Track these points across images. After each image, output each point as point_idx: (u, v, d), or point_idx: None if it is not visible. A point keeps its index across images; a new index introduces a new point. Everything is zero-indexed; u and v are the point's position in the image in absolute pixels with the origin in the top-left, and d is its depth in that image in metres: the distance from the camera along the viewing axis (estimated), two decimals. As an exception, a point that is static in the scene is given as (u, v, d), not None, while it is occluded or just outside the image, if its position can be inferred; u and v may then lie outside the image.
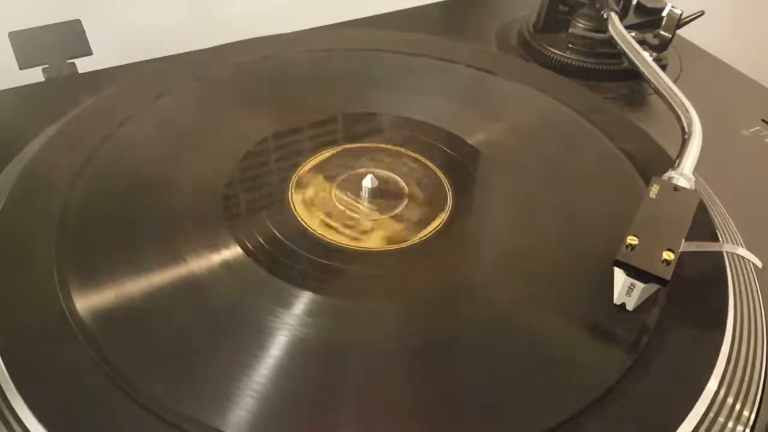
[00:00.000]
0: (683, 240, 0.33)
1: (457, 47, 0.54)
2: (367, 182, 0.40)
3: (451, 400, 0.30)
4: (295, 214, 0.39)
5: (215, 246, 0.36)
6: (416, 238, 0.38)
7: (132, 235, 0.36)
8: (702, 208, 0.38)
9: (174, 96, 0.46)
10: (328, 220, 0.38)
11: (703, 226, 0.37)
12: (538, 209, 0.40)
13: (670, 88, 0.46)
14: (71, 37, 0.53)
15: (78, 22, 0.54)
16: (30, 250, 0.35)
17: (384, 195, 0.40)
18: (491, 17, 0.66)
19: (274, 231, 0.37)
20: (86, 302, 0.32)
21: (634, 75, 0.52)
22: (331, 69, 0.51)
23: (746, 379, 0.32)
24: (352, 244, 0.37)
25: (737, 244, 0.40)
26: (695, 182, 0.38)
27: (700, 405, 0.30)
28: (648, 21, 0.58)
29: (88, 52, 0.54)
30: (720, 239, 0.38)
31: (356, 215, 0.39)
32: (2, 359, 0.30)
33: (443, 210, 0.40)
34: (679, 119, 0.43)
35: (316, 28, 0.60)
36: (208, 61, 0.50)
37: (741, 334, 0.34)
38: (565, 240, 0.38)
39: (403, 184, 0.41)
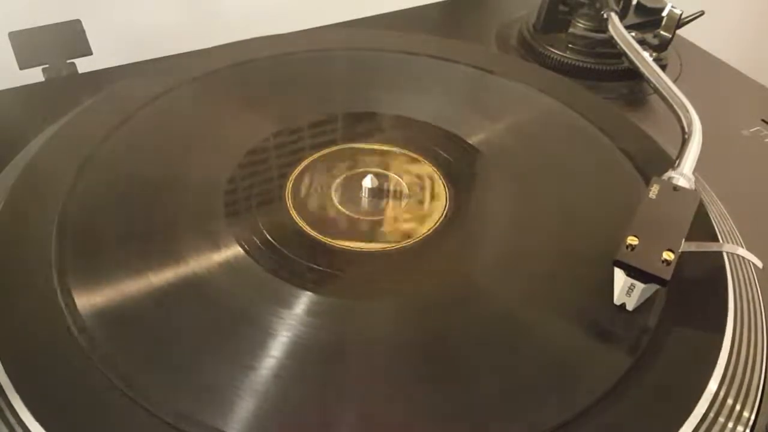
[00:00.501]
0: (683, 240, 0.33)
1: (457, 47, 0.54)
2: (367, 182, 0.40)
3: (451, 400, 0.30)
4: (295, 213, 0.39)
5: (215, 246, 0.36)
6: (416, 238, 0.38)
7: (132, 234, 0.36)
8: (702, 208, 0.38)
9: (174, 96, 0.46)
10: (328, 220, 0.38)
11: (703, 226, 0.37)
12: (538, 209, 0.40)
13: (670, 88, 0.46)
14: (71, 37, 0.53)
15: (78, 22, 0.54)
16: (30, 250, 0.35)
17: (384, 195, 0.40)
18: (491, 17, 0.66)
19: (274, 231, 0.37)
20: (86, 302, 0.32)
21: (634, 75, 0.52)
22: (331, 69, 0.51)
23: (746, 379, 0.32)
24: (352, 244, 0.37)
25: (737, 244, 0.40)
26: (695, 182, 0.38)
27: (700, 405, 0.30)
28: (648, 21, 0.58)
29: (88, 52, 0.54)
30: (720, 239, 0.38)
31: (356, 215, 0.39)
32: (2, 360, 0.30)
33: (443, 210, 0.40)
34: (679, 119, 0.43)
35: (316, 28, 0.60)
36: (208, 61, 0.50)
37: (741, 334, 0.34)
38: (565, 240, 0.38)
39: (402, 183, 0.41)
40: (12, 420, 0.28)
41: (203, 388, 0.29)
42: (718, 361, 0.32)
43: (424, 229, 0.38)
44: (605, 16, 0.55)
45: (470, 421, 0.29)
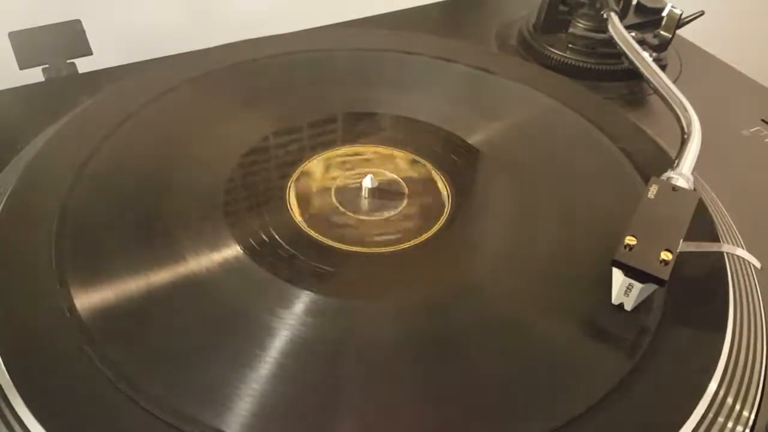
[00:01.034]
0: (681, 240, 0.33)
1: (457, 47, 0.54)
2: (367, 182, 0.40)
3: (451, 400, 0.30)
4: (295, 213, 0.39)
5: (215, 245, 0.36)
6: (416, 238, 0.38)
7: (132, 234, 0.36)
8: (702, 208, 0.38)
9: (174, 96, 0.46)
10: (328, 220, 0.38)
11: (702, 226, 0.37)
12: (538, 209, 0.40)
13: (670, 89, 0.46)
14: (71, 37, 0.53)
15: (78, 22, 0.54)
16: (30, 250, 0.35)
17: (384, 195, 0.40)
18: (491, 17, 0.66)
19: (274, 231, 0.37)
20: (86, 302, 0.32)
21: (634, 75, 0.52)
22: (331, 69, 0.51)
23: (746, 379, 0.32)
24: (352, 244, 0.37)
25: (737, 245, 0.40)
26: (695, 182, 0.38)
27: (700, 405, 0.30)
28: (648, 21, 0.58)
29: (88, 52, 0.54)
30: (720, 239, 0.38)
31: (356, 215, 0.39)
32: (2, 359, 0.30)
33: (443, 210, 0.40)
34: (678, 119, 0.44)
35: (316, 28, 0.60)
36: (208, 61, 0.50)
37: (741, 334, 0.34)
38: (564, 240, 0.38)
39: (402, 184, 0.41)
40: (12, 420, 0.28)
41: (203, 388, 0.29)
42: (718, 361, 0.32)
43: (424, 229, 0.38)
44: (605, 16, 0.55)
45: (470, 421, 0.29)
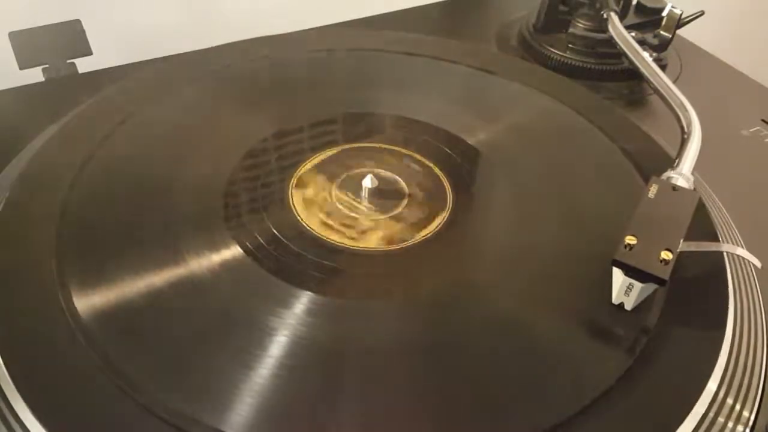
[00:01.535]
0: (682, 240, 0.33)
1: (457, 47, 0.54)
2: (367, 182, 0.40)
3: (451, 400, 0.30)
4: (295, 214, 0.39)
5: (215, 246, 0.36)
6: (416, 238, 0.38)
7: (132, 235, 0.36)
8: (702, 207, 0.38)
9: (174, 96, 0.46)
10: (328, 220, 0.38)
11: (702, 226, 0.37)
12: (538, 209, 0.40)
13: (670, 88, 0.46)
14: (71, 37, 0.53)
15: (78, 22, 0.54)
16: (30, 250, 0.35)
17: (384, 195, 0.40)
18: (491, 17, 0.66)
19: (275, 231, 0.37)
20: (86, 302, 0.32)
21: (634, 75, 0.52)
22: (331, 69, 0.51)
23: (746, 379, 0.32)
24: (352, 244, 0.37)
25: (737, 244, 0.40)
26: (695, 182, 0.38)
27: (700, 405, 0.30)
28: (648, 21, 0.58)
29: (88, 52, 0.54)
30: (720, 239, 0.38)
31: (356, 215, 0.39)
32: (2, 359, 0.30)
33: (443, 210, 0.40)
34: (678, 119, 0.44)
35: (316, 28, 0.60)
36: (209, 61, 0.50)
37: (741, 334, 0.34)
38: (565, 240, 0.38)
39: (403, 184, 0.41)
40: (12, 420, 0.28)
41: (203, 388, 0.29)
42: (718, 361, 0.32)
43: (424, 229, 0.38)
44: (605, 16, 0.55)
45: (470, 420, 0.29)
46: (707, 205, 0.40)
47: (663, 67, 0.56)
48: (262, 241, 0.36)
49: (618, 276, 0.33)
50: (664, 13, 0.57)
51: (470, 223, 0.40)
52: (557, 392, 0.30)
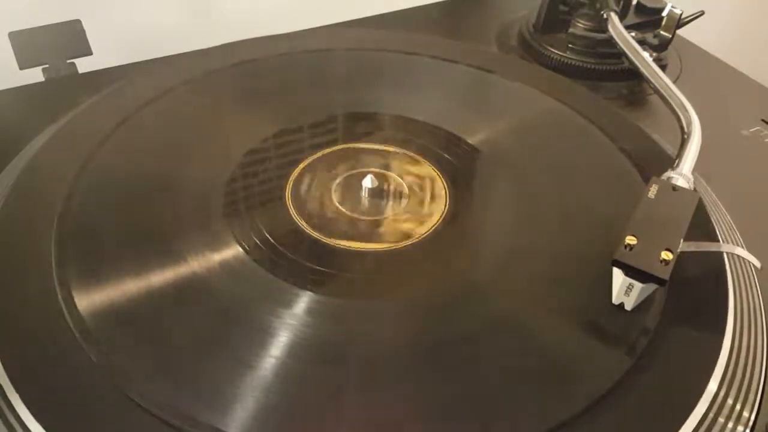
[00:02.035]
0: (682, 240, 0.33)
1: (457, 47, 0.54)
2: (367, 182, 0.40)
3: (451, 400, 0.30)
4: (295, 213, 0.39)
5: (215, 246, 0.36)
6: (416, 238, 0.38)
7: (132, 234, 0.36)
8: (702, 208, 0.38)
9: (174, 96, 0.46)
10: (328, 220, 0.38)
11: (702, 226, 0.37)
12: (538, 209, 0.40)
13: (670, 88, 0.46)
14: (71, 37, 0.53)
15: (78, 22, 0.54)
16: (30, 250, 0.35)
17: (384, 195, 0.40)
18: (491, 17, 0.66)
19: (274, 231, 0.37)
20: (86, 302, 0.32)
21: (634, 75, 0.52)
22: (331, 69, 0.51)
23: (746, 379, 0.32)
24: (352, 244, 0.37)
25: (737, 245, 0.40)
26: (695, 182, 0.38)
27: (700, 405, 0.30)
28: (648, 21, 0.58)
29: (88, 52, 0.54)
30: (720, 239, 0.38)
31: (356, 215, 0.39)
32: (2, 359, 0.30)
33: (443, 210, 0.40)
34: (678, 119, 0.44)
35: (316, 28, 0.60)
36: (208, 61, 0.50)
37: (741, 334, 0.34)
38: (565, 240, 0.38)
39: (402, 184, 0.41)
40: (12, 420, 0.28)
41: (203, 388, 0.29)
42: (718, 361, 0.32)
43: (424, 229, 0.38)
44: (605, 16, 0.55)
45: (469, 420, 0.29)
46: (707, 205, 0.40)
47: (663, 67, 0.56)
48: (261, 240, 0.36)
49: (618, 276, 0.33)
50: (664, 13, 0.57)
51: (470, 223, 0.40)
52: (557, 392, 0.30)
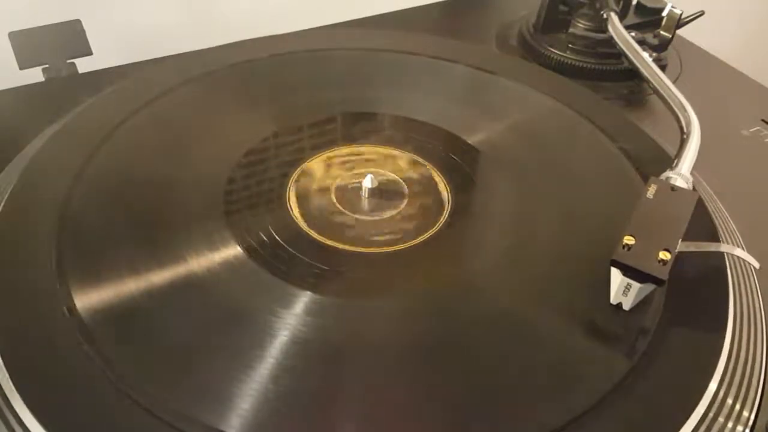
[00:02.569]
0: (680, 240, 0.33)
1: (457, 47, 0.54)
2: (367, 182, 0.40)
3: (450, 400, 0.30)
4: (295, 213, 0.39)
5: (215, 246, 0.36)
6: (416, 238, 0.38)
7: (132, 234, 0.36)
8: (701, 208, 0.38)
9: (174, 96, 0.46)
10: (328, 220, 0.38)
11: (702, 226, 0.37)
12: (537, 209, 0.40)
13: (669, 89, 0.46)
14: (71, 37, 0.53)
15: (78, 22, 0.54)
16: (30, 249, 0.35)
17: (384, 195, 0.40)
18: (491, 17, 0.66)
19: (274, 231, 0.37)
20: (86, 302, 0.32)
21: (634, 75, 0.52)
22: (331, 69, 0.51)
23: (746, 379, 0.32)
24: (352, 244, 0.37)
25: (737, 245, 0.40)
26: (694, 182, 0.38)
27: (700, 405, 0.30)
28: (648, 21, 0.58)
29: (88, 52, 0.54)
30: (719, 239, 0.38)
31: (356, 215, 0.39)
32: (2, 359, 0.30)
33: (443, 210, 0.40)
34: (677, 119, 0.44)
35: (316, 28, 0.60)
36: (209, 61, 0.50)
37: (741, 334, 0.34)
38: (564, 240, 0.38)
39: (403, 184, 0.41)
40: (12, 420, 0.28)
41: (203, 388, 0.29)
42: (718, 361, 0.32)
43: (424, 229, 0.38)
44: (605, 16, 0.55)
45: (469, 421, 0.29)
46: (707, 205, 0.40)
47: (663, 67, 0.56)
48: (262, 240, 0.36)
49: (616, 276, 0.33)
50: (664, 13, 0.57)
51: (470, 223, 0.40)
52: (557, 393, 0.30)
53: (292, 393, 0.29)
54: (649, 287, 0.33)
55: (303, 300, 0.33)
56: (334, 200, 0.40)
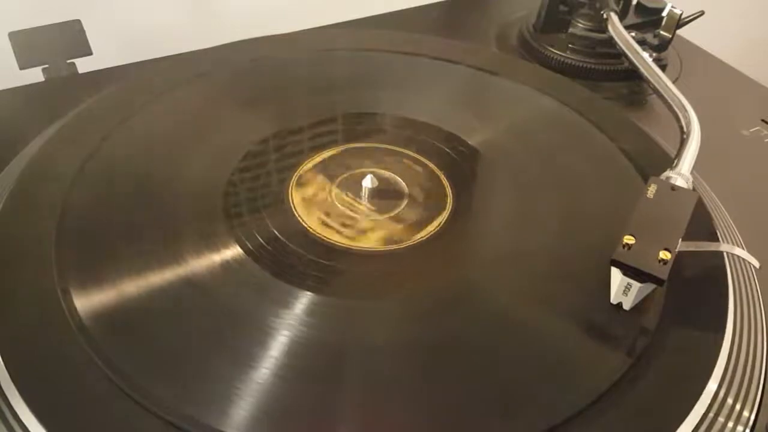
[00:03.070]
0: (680, 240, 0.33)
1: (457, 47, 0.54)
2: (367, 182, 0.40)
3: (450, 400, 0.30)
4: (295, 214, 0.39)
5: (215, 246, 0.36)
6: (416, 238, 0.38)
7: (132, 234, 0.36)
8: (701, 207, 0.38)
9: (174, 96, 0.46)
10: (328, 220, 0.38)
11: (702, 225, 0.37)
12: (538, 209, 0.40)
13: (669, 89, 0.46)
14: (71, 37, 0.53)
15: (78, 22, 0.54)
16: (30, 250, 0.35)
17: (384, 195, 0.40)
18: (491, 17, 0.66)
19: (274, 231, 0.37)
20: (86, 302, 0.32)
21: (634, 75, 0.52)
22: (331, 69, 0.51)
23: (746, 379, 0.32)
24: (352, 244, 0.37)
25: (737, 244, 0.40)
26: (695, 182, 0.38)
27: (700, 405, 0.30)
28: (648, 21, 0.58)
29: (88, 52, 0.54)
30: (719, 239, 0.38)
31: (356, 215, 0.39)
32: (2, 359, 0.30)
33: (443, 210, 0.40)
34: (677, 119, 0.44)
35: (316, 28, 0.60)
36: (209, 61, 0.50)
37: (741, 334, 0.34)
38: (564, 240, 0.38)
39: (403, 184, 0.41)
40: (12, 420, 0.28)
41: (203, 388, 0.29)
42: (718, 361, 0.32)
43: (425, 229, 0.38)
44: (605, 16, 0.55)
45: (469, 420, 0.29)
46: (707, 205, 0.40)
47: (663, 67, 0.56)
48: (262, 241, 0.36)
49: (616, 276, 0.33)
50: (664, 13, 0.57)
51: (470, 223, 0.40)
52: (557, 392, 0.30)
53: (292, 393, 0.29)
54: (649, 287, 0.33)
55: (303, 300, 0.33)
56: (335, 200, 0.40)
